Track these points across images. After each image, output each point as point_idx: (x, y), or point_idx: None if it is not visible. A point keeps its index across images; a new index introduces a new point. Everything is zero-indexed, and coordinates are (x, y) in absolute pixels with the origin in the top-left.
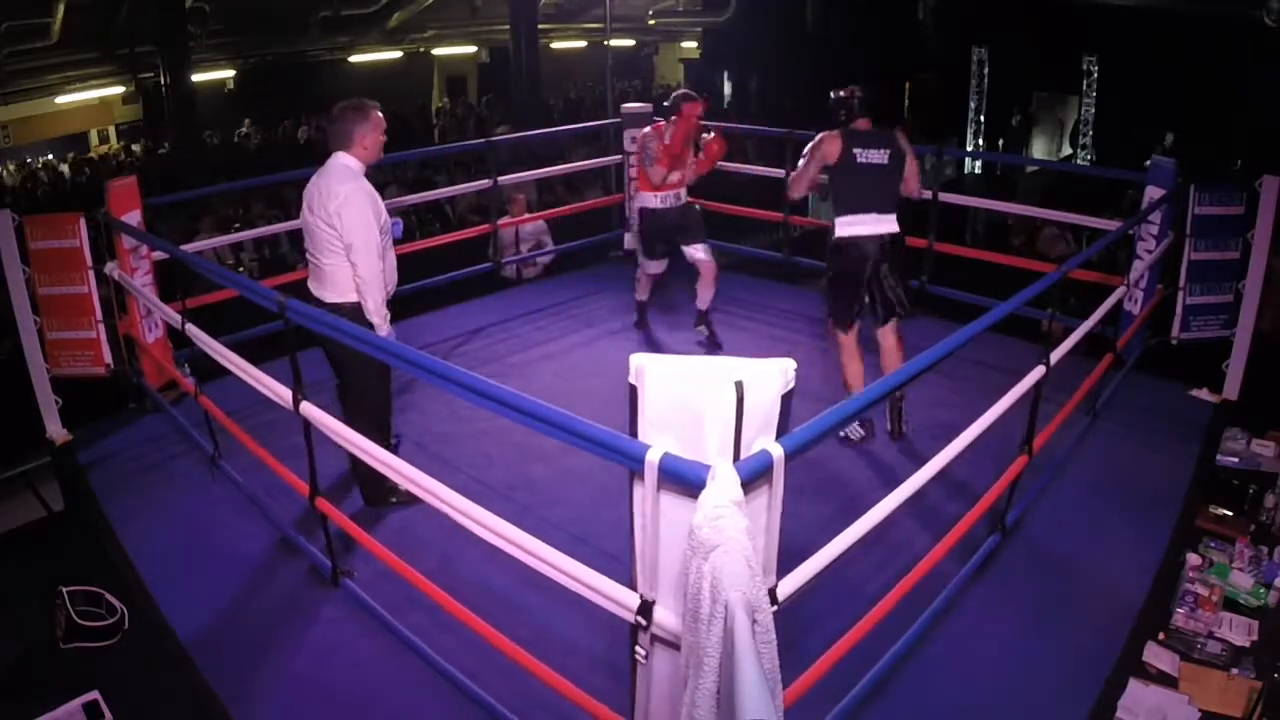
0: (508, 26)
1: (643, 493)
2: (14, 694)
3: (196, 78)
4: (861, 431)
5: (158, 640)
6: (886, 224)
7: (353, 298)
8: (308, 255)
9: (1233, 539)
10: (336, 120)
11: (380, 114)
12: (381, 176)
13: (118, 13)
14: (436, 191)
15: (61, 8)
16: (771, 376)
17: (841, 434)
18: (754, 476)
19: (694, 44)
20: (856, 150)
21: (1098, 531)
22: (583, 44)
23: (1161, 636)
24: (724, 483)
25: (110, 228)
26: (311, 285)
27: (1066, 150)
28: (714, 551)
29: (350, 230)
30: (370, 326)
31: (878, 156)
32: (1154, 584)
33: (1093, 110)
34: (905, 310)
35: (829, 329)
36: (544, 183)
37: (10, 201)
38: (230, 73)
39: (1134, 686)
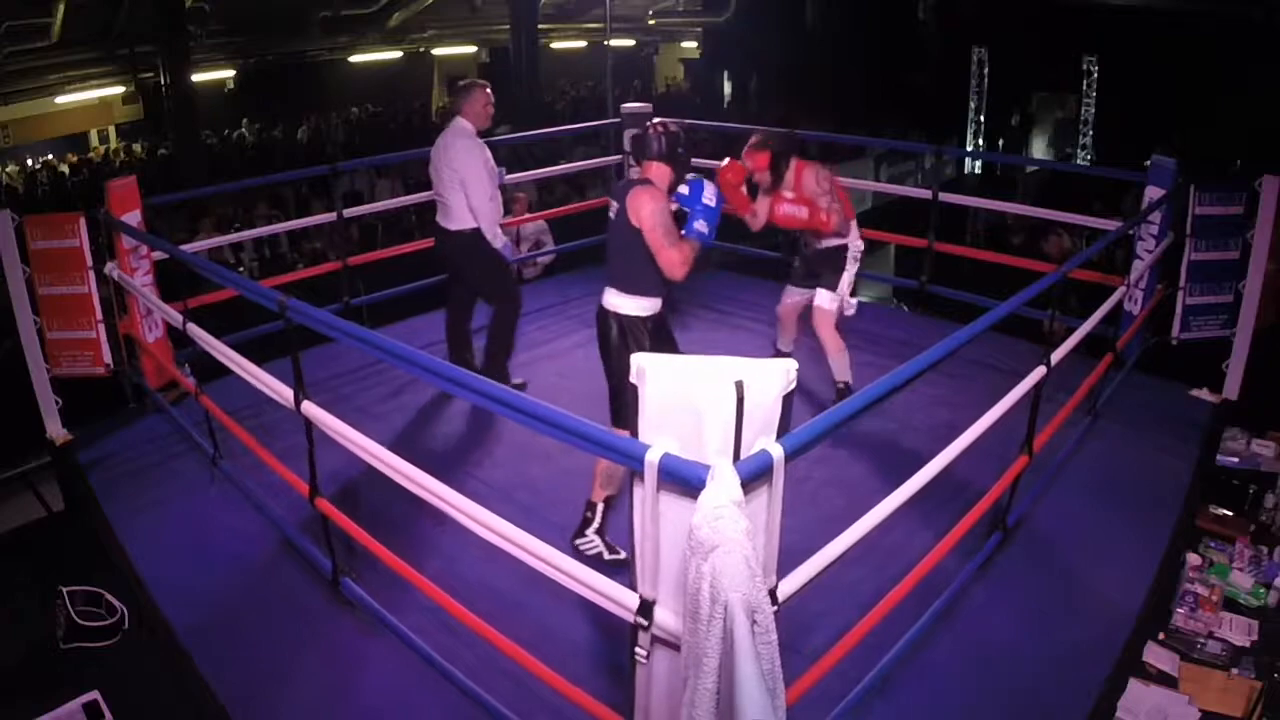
0: (508, 26)
1: (643, 493)
2: (14, 694)
3: (196, 78)
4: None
5: (158, 640)
6: (608, 296)
7: (470, 225)
8: (436, 197)
9: (1233, 539)
10: (454, 95)
11: (487, 90)
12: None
13: (118, 13)
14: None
15: (61, 8)
16: (772, 376)
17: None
18: (754, 477)
19: (694, 44)
20: (612, 200)
21: (1098, 531)
22: (583, 44)
23: (1161, 636)
24: (724, 483)
25: (110, 228)
26: (440, 219)
27: (1067, 150)
28: (714, 552)
29: (464, 170)
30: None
31: (613, 210)
32: (1154, 584)
33: (1093, 110)
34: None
35: None
36: (544, 182)
37: (10, 201)
38: (230, 73)
39: (1134, 686)
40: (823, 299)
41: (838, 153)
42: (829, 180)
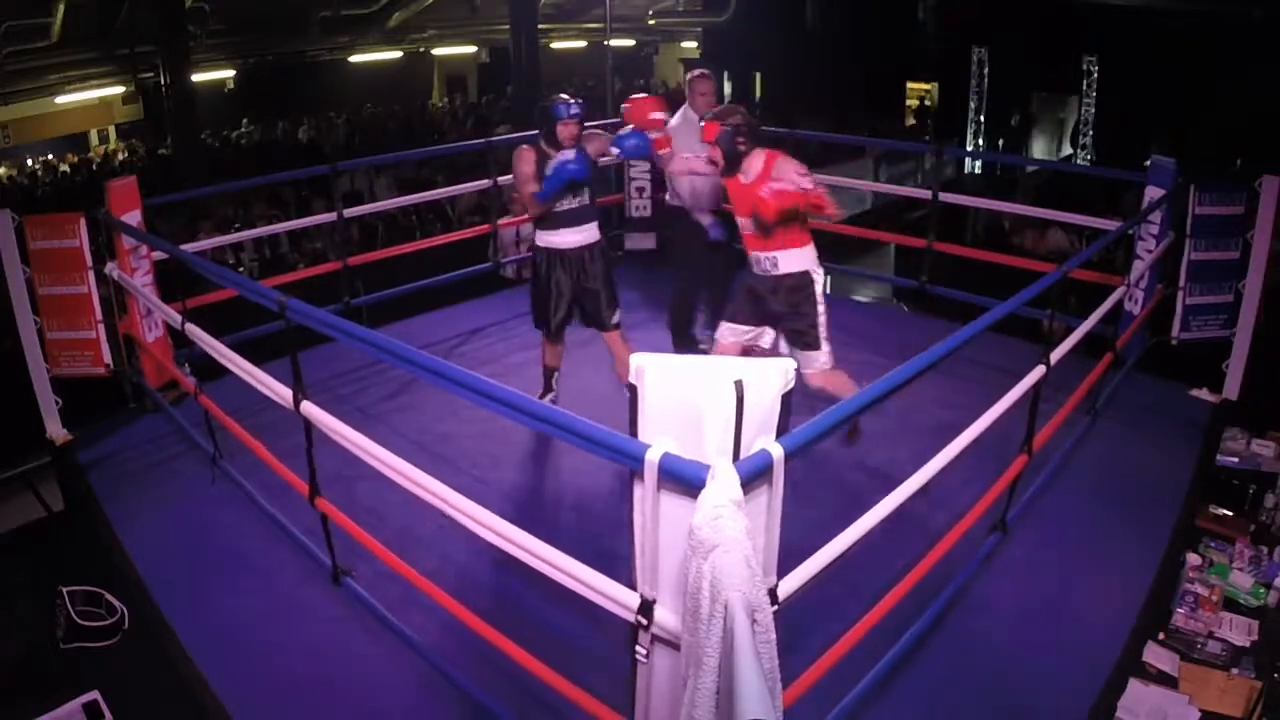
0: (508, 26)
1: (643, 492)
2: (14, 694)
3: (196, 78)
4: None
5: (158, 640)
6: None
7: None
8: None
9: (1233, 539)
10: (686, 84)
11: (708, 80)
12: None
13: (118, 13)
14: (436, 191)
15: (61, 8)
16: (771, 376)
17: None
18: (754, 476)
19: (694, 44)
20: None
21: (1098, 531)
22: (583, 44)
23: (1161, 636)
24: (724, 482)
25: (110, 228)
26: (667, 197)
27: (1066, 150)
28: (714, 551)
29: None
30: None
31: None
32: (1154, 584)
33: (1093, 110)
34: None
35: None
36: None
37: (10, 201)
38: (230, 73)
39: (1134, 686)
40: (811, 361)
41: (838, 153)
42: (805, 176)
